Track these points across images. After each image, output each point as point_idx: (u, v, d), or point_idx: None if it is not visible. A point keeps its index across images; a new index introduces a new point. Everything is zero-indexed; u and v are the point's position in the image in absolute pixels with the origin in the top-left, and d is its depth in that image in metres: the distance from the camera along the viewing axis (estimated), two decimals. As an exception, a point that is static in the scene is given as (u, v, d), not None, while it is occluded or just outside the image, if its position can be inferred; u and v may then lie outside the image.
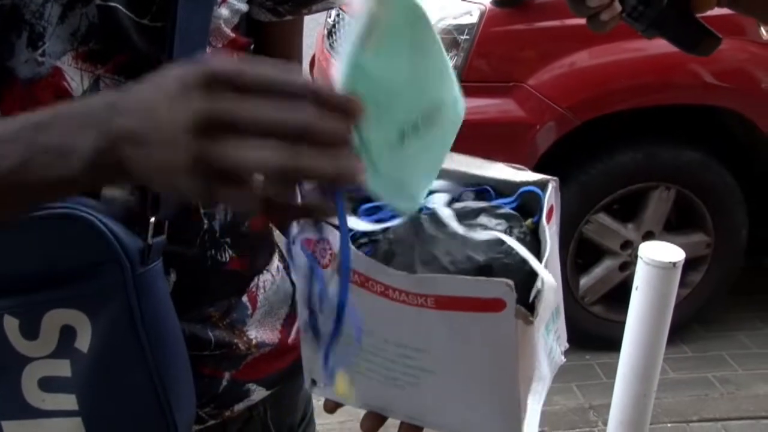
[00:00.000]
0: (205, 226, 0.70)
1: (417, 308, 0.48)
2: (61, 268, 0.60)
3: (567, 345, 0.60)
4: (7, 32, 0.58)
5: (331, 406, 0.60)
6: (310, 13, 0.74)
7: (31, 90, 0.59)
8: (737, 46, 2.22)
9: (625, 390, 1.59)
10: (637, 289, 1.50)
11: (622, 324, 1.57)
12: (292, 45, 0.80)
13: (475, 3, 2.28)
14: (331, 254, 0.52)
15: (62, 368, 0.62)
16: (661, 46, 0.77)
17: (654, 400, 1.61)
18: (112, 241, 0.59)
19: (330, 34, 2.86)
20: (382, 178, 0.44)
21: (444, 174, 0.56)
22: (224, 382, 0.74)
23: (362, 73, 0.42)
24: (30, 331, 0.61)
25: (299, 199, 0.42)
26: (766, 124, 2.40)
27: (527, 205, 0.57)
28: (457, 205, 0.56)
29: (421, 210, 0.53)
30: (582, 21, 0.72)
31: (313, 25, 0.94)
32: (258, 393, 0.76)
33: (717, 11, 0.71)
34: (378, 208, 0.56)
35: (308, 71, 2.95)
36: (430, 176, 0.49)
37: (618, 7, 0.70)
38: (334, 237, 0.51)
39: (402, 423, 0.57)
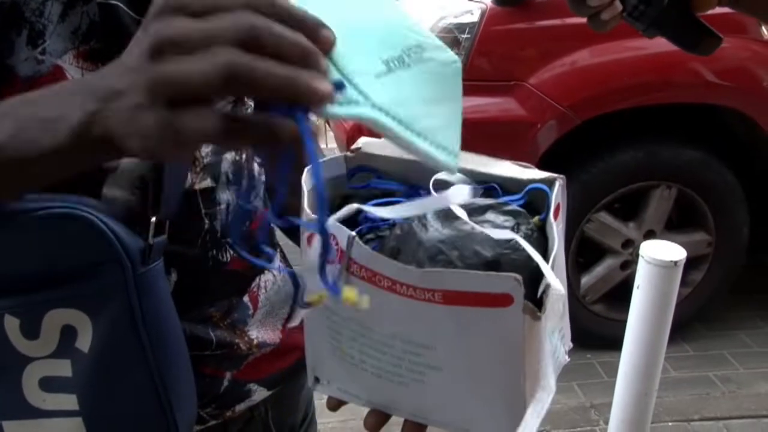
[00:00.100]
0: (207, 226, 0.70)
1: (424, 303, 0.48)
2: (62, 267, 0.59)
3: (571, 345, 0.59)
4: (6, 30, 0.58)
5: (334, 404, 0.60)
6: None
7: (32, 88, 0.59)
8: (738, 44, 2.22)
9: (626, 389, 1.59)
10: (638, 287, 1.50)
11: (624, 323, 1.57)
12: None
13: (476, 2, 2.28)
14: (338, 250, 0.51)
15: (63, 368, 0.61)
16: (661, 44, 0.77)
17: (655, 398, 1.60)
18: (113, 241, 0.59)
19: (331, 33, 2.86)
20: (384, 113, 0.41)
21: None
22: (225, 382, 0.73)
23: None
24: (31, 331, 0.60)
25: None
26: (767, 122, 2.40)
27: (534, 203, 0.57)
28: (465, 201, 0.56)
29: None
30: (583, 20, 0.72)
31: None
32: (259, 393, 0.76)
33: (718, 10, 0.71)
34: (389, 204, 0.55)
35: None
36: (450, 125, 0.45)
37: (618, 6, 0.70)
38: (339, 232, 0.51)
39: (406, 421, 0.57)
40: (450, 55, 0.50)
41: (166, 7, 0.40)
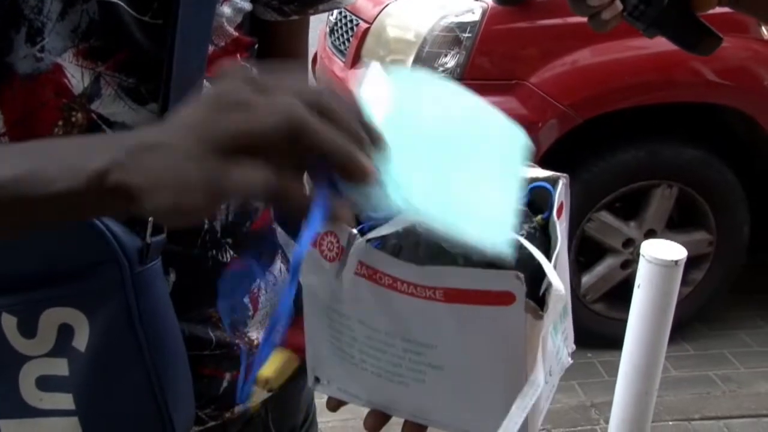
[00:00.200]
0: (206, 226, 0.69)
1: (426, 301, 0.48)
2: (60, 266, 0.59)
3: (574, 347, 0.59)
4: (5, 27, 0.58)
5: (334, 404, 0.60)
6: (316, 12, 0.74)
7: (31, 86, 0.59)
8: (739, 44, 2.22)
9: (626, 388, 1.59)
10: (638, 287, 1.50)
11: (624, 322, 1.57)
12: (298, 45, 0.80)
13: (478, 1, 2.27)
14: (338, 249, 0.51)
15: (60, 367, 0.61)
16: (662, 44, 0.77)
17: (656, 398, 1.61)
18: (111, 240, 0.59)
19: (332, 32, 2.86)
20: (424, 208, 0.44)
21: None
22: (225, 383, 0.73)
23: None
24: (28, 330, 0.60)
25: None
26: (767, 121, 2.40)
27: (537, 202, 0.56)
28: None
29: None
30: (584, 19, 0.72)
31: (315, 23, 0.94)
32: (259, 394, 0.76)
33: (718, 9, 0.71)
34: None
35: (310, 69, 2.94)
36: (501, 209, 0.47)
37: (619, 6, 0.70)
38: (341, 231, 0.51)
39: (406, 421, 0.57)
40: (512, 135, 0.52)
41: (233, 78, 0.43)
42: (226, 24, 0.66)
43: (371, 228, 0.56)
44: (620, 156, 2.36)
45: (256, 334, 0.75)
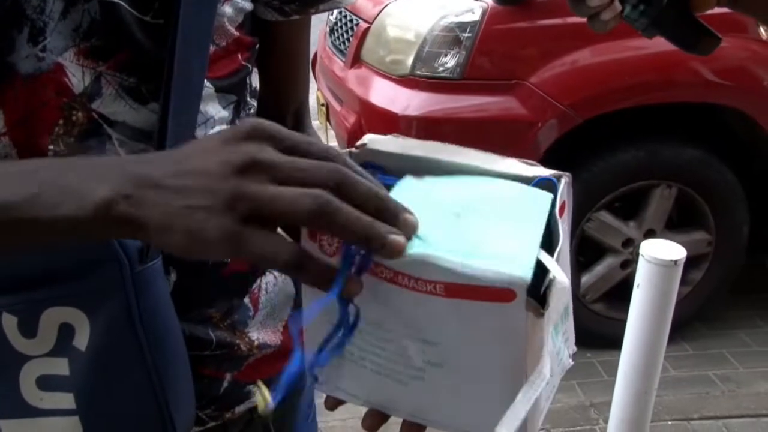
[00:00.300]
0: None
1: (426, 295, 0.48)
2: (60, 265, 0.59)
3: (575, 348, 0.59)
4: (7, 27, 0.58)
5: (332, 403, 0.60)
6: (317, 12, 0.74)
7: (32, 85, 0.59)
8: (739, 44, 2.22)
9: (626, 388, 1.59)
10: (638, 286, 1.50)
11: (623, 322, 1.57)
12: (298, 44, 0.80)
13: (478, 1, 2.28)
14: (338, 243, 0.51)
15: (60, 367, 0.61)
16: (662, 44, 0.77)
17: (655, 397, 1.61)
18: (111, 239, 0.59)
19: (332, 31, 2.86)
20: (443, 251, 0.45)
21: (455, 168, 0.56)
22: (225, 384, 0.73)
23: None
24: (28, 329, 0.60)
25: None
26: (767, 121, 2.40)
27: None
28: None
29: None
30: (584, 19, 0.72)
31: (316, 23, 0.94)
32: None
33: (717, 10, 0.71)
34: None
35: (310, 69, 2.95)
36: (526, 245, 0.48)
37: (618, 6, 0.70)
38: None
39: (404, 421, 0.57)
40: (533, 192, 0.53)
41: (258, 132, 0.44)
42: (227, 24, 0.66)
43: None
44: (620, 156, 2.36)
45: (256, 335, 0.75)
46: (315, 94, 2.97)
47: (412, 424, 0.56)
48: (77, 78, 0.60)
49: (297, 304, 0.80)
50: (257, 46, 0.72)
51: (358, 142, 0.59)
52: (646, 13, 0.70)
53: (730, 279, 2.62)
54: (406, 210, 0.45)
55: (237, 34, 0.67)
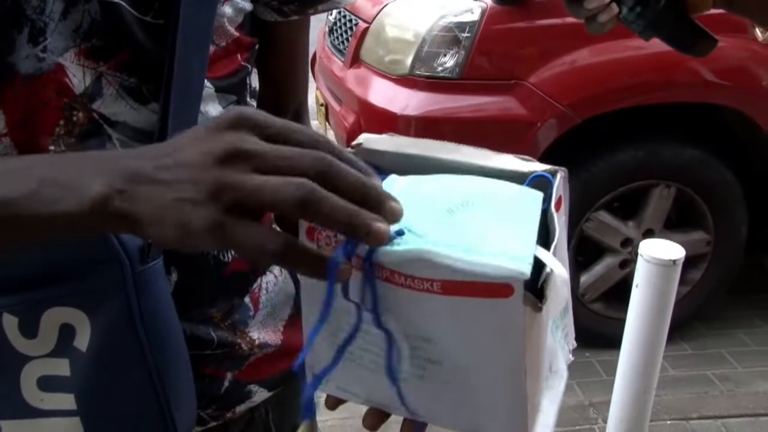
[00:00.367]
0: None
1: (423, 293, 0.48)
2: (61, 265, 0.59)
3: (575, 344, 0.59)
4: (7, 27, 0.58)
5: (332, 402, 0.60)
6: (316, 13, 0.74)
7: (33, 86, 0.59)
8: (738, 44, 2.22)
9: (625, 387, 1.59)
10: (637, 286, 1.50)
11: (622, 321, 1.57)
12: (297, 45, 0.80)
13: (477, 1, 2.28)
14: (336, 241, 0.51)
15: (61, 367, 0.61)
16: (661, 44, 0.77)
17: (654, 397, 1.61)
18: (112, 239, 0.59)
19: (331, 31, 2.87)
20: (441, 246, 0.45)
21: (450, 165, 0.56)
22: (226, 383, 0.73)
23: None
24: (29, 330, 0.60)
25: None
26: (766, 122, 2.40)
27: None
28: None
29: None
30: (582, 19, 0.72)
31: (315, 23, 0.94)
32: (260, 394, 0.76)
33: (714, 11, 0.71)
34: None
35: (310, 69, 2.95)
36: (516, 242, 0.48)
37: (615, 8, 0.70)
38: None
39: (405, 419, 0.57)
40: (526, 191, 0.53)
41: (242, 121, 0.44)
42: (227, 24, 0.66)
43: None
44: (619, 156, 2.36)
45: (257, 334, 0.75)
46: (314, 94, 2.97)
47: (412, 423, 0.56)
48: (78, 78, 0.60)
49: (297, 304, 0.80)
50: (257, 47, 0.72)
51: (354, 142, 0.59)
52: (643, 15, 0.70)
53: (729, 279, 2.62)
54: (391, 198, 0.44)
55: (237, 34, 0.67)
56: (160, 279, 0.62)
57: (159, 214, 0.43)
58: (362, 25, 2.57)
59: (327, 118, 2.87)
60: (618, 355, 1.59)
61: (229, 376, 0.73)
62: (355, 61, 2.58)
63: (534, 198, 0.52)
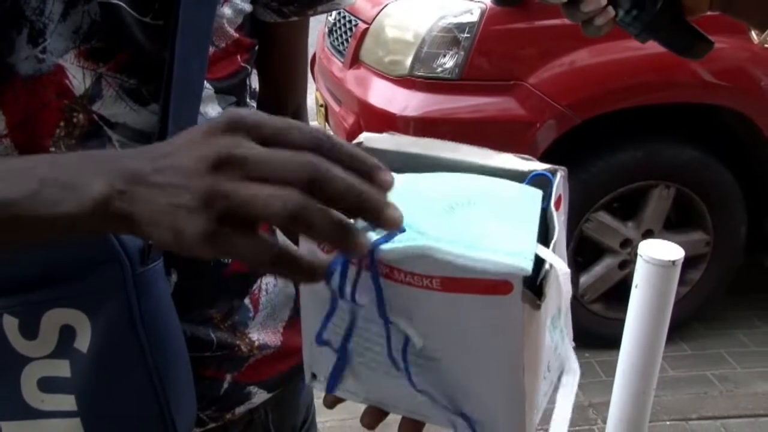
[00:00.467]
0: None
1: (422, 290, 0.48)
2: (61, 267, 0.59)
3: (573, 344, 0.59)
4: (7, 28, 0.58)
5: (331, 402, 0.60)
6: (315, 14, 0.74)
7: (32, 87, 0.59)
8: (737, 45, 2.22)
9: (624, 388, 1.59)
10: (636, 287, 1.50)
11: (622, 322, 1.57)
12: (297, 46, 0.80)
13: (476, 1, 2.28)
14: None
15: (61, 368, 0.61)
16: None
17: (653, 398, 1.61)
18: (112, 240, 0.59)
19: (330, 32, 2.87)
20: (442, 242, 0.45)
21: (451, 164, 0.56)
22: (225, 385, 0.73)
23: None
24: (29, 331, 0.60)
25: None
26: (765, 122, 2.40)
27: None
28: None
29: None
30: (580, 20, 0.72)
31: (314, 23, 0.94)
32: (259, 396, 0.76)
33: (711, 12, 0.72)
34: None
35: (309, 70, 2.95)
36: (517, 238, 0.48)
37: (611, 11, 0.70)
38: None
39: (403, 418, 0.57)
40: (524, 189, 0.54)
41: (237, 124, 0.43)
42: (226, 25, 0.66)
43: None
44: (618, 156, 2.37)
45: (256, 336, 0.75)
46: (314, 95, 2.97)
47: (411, 421, 0.56)
48: (78, 80, 0.60)
49: (297, 305, 0.80)
50: (256, 48, 0.72)
51: (354, 141, 0.59)
52: (639, 18, 0.70)
53: (728, 279, 2.62)
54: (389, 205, 0.43)
55: (236, 35, 0.67)
56: (160, 280, 0.63)
57: (156, 218, 0.43)
58: (362, 25, 2.57)
59: (327, 119, 2.87)
60: (617, 356, 1.59)
61: (228, 377, 0.73)
62: (355, 61, 2.58)
63: (534, 196, 0.52)
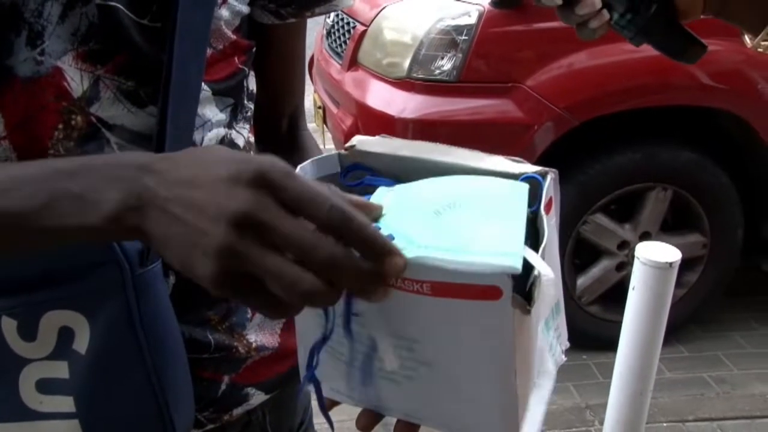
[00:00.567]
0: None
1: (413, 295, 0.48)
2: (60, 268, 0.60)
3: (568, 344, 0.59)
4: (5, 30, 0.58)
5: (327, 404, 0.60)
6: (313, 15, 0.74)
7: (31, 89, 0.59)
8: (733, 48, 2.23)
9: (621, 389, 1.59)
10: (633, 289, 1.50)
11: (619, 324, 1.57)
12: (294, 48, 0.80)
13: (474, 4, 2.28)
14: None
15: (60, 370, 0.61)
16: (658, 47, 0.77)
17: (650, 399, 1.61)
18: (112, 242, 0.59)
19: (329, 34, 2.87)
20: (430, 248, 0.46)
21: (442, 167, 0.56)
22: (223, 386, 0.73)
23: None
24: (28, 333, 0.60)
25: None
26: (761, 125, 2.40)
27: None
28: None
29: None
30: (578, 21, 0.72)
31: (312, 25, 0.94)
32: (257, 397, 0.76)
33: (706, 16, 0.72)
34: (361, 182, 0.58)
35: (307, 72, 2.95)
36: (505, 238, 0.48)
37: (606, 15, 0.70)
38: None
39: (398, 420, 0.57)
40: (512, 185, 0.54)
41: (264, 181, 0.43)
42: (224, 27, 0.66)
43: None
44: (616, 159, 2.37)
45: (254, 337, 0.75)
46: (312, 97, 2.97)
47: (405, 424, 0.56)
48: (76, 82, 0.60)
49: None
50: (254, 50, 0.72)
51: (347, 144, 0.59)
52: (634, 21, 0.71)
53: (725, 281, 2.63)
54: (388, 291, 0.45)
55: (234, 37, 0.67)
56: (159, 282, 0.63)
57: (166, 241, 0.44)
58: (360, 28, 2.57)
59: (324, 121, 2.88)
60: (614, 358, 1.60)
61: (226, 379, 0.73)
62: (353, 63, 2.58)
63: (520, 192, 0.53)
